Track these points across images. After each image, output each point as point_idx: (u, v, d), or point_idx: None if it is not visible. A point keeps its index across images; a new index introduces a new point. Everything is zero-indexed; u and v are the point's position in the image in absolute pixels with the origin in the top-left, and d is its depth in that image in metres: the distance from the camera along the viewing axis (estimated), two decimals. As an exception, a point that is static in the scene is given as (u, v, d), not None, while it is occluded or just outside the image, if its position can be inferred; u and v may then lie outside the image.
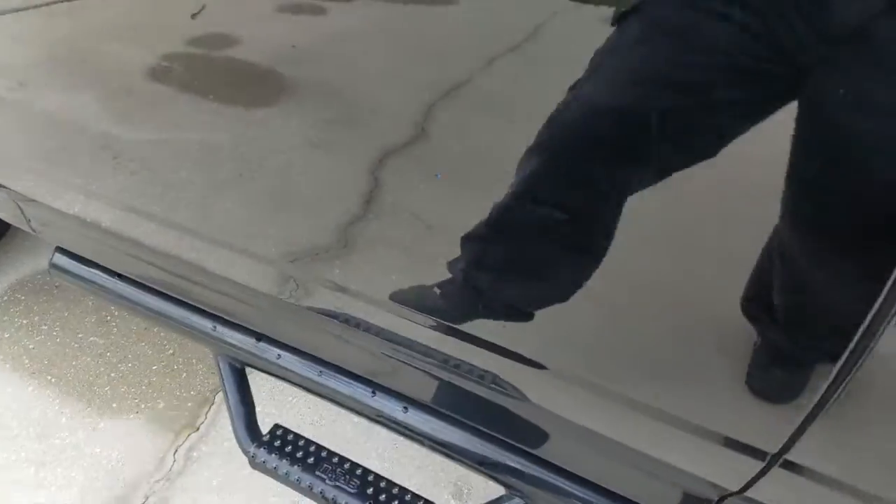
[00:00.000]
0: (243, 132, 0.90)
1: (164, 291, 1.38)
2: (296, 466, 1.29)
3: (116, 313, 2.14)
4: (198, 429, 1.83)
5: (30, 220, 1.38)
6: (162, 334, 2.07)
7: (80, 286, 1.52)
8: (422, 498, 1.24)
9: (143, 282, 1.40)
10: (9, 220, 1.43)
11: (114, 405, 1.90)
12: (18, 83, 1.11)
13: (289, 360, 1.30)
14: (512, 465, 1.15)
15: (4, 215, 1.42)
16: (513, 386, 0.95)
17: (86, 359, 2.02)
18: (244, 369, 1.41)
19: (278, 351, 1.31)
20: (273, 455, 1.31)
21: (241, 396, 1.38)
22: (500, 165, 0.69)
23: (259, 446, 1.32)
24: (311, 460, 1.30)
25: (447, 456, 1.22)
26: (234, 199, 1.00)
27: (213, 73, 0.87)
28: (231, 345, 1.35)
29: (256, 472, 1.71)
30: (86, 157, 1.13)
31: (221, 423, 1.84)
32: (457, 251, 0.80)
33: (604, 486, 1.02)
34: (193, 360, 2.00)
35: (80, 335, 2.09)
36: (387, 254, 0.90)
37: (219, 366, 1.40)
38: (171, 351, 2.03)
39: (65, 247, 1.47)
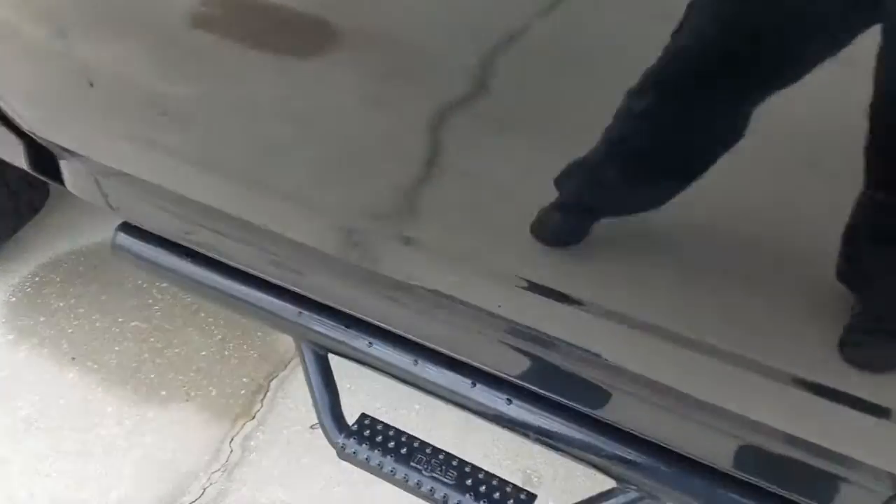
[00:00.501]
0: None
1: (248, 272, 1.32)
2: (388, 457, 1.24)
3: (160, 296, 2.07)
4: (254, 417, 1.78)
5: (107, 196, 1.31)
6: (210, 318, 2.01)
7: (146, 268, 1.45)
8: (524, 490, 1.21)
9: (225, 261, 1.33)
10: (85, 197, 1.36)
11: (162, 393, 1.84)
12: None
13: (382, 349, 1.25)
14: (630, 457, 1.12)
15: (82, 191, 1.35)
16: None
17: (128, 344, 1.95)
18: (327, 356, 1.35)
19: (370, 339, 1.26)
20: (364, 445, 1.26)
21: (326, 385, 1.33)
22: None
23: (348, 436, 1.27)
24: (403, 451, 1.25)
25: (553, 448, 1.18)
26: (333, 158, 0.95)
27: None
28: (318, 332, 1.30)
29: (317, 461, 1.67)
30: (162, 115, 1.06)
31: (278, 411, 1.79)
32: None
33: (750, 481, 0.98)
34: (244, 346, 1.94)
35: (120, 319, 2.02)
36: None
37: (302, 353, 1.34)
38: (219, 336, 1.97)
39: (139, 224, 1.39)
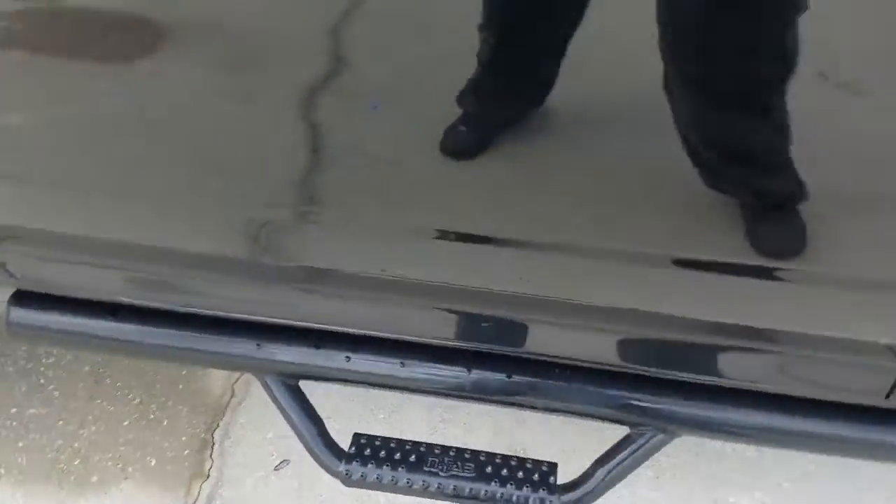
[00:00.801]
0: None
1: (189, 312, 1.18)
2: (400, 470, 1.16)
3: (51, 374, 1.81)
4: (208, 475, 1.61)
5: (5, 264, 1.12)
6: (118, 383, 1.79)
7: (58, 340, 1.26)
8: (543, 462, 1.18)
9: (160, 305, 1.18)
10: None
11: (93, 479, 1.61)
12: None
13: (362, 359, 1.16)
14: (633, 402, 1.13)
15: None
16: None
17: (34, 436, 1.70)
18: (298, 385, 1.24)
19: (346, 353, 1.17)
20: (370, 465, 1.17)
21: (308, 415, 1.22)
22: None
23: (349, 461, 1.18)
24: (412, 458, 1.18)
25: (558, 412, 1.17)
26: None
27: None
28: (284, 361, 1.19)
29: (293, 500, 1.55)
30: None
31: (233, 461, 1.64)
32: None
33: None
34: (169, 403, 1.75)
35: (14, 411, 1.75)
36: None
37: (269, 389, 1.22)
38: (136, 400, 1.76)
39: (40, 289, 1.19)
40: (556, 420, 1.70)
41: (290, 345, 1.18)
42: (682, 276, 0.90)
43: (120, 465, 1.63)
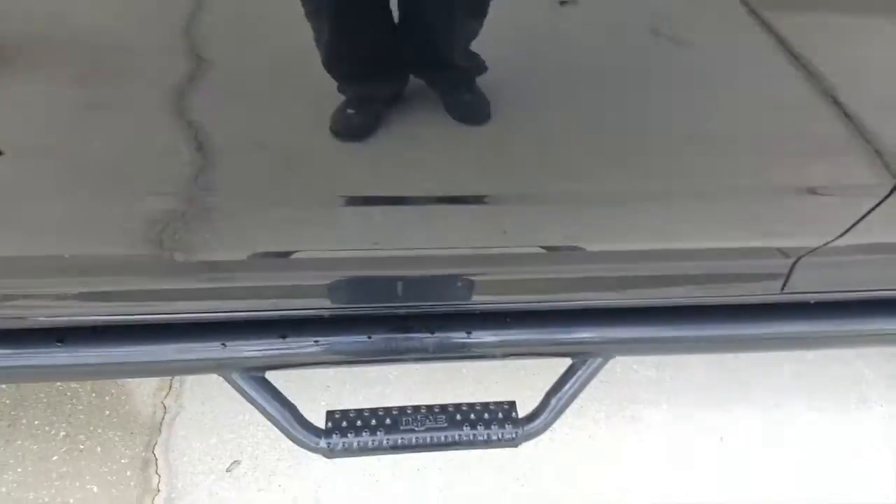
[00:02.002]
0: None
1: (148, 321, 1.18)
2: (379, 433, 1.26)
3: (-43, 425, 1.68)
4: (159, 490, 1.60)
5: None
6: (36, 421, 1.70)
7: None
8: (503, 402, 1.32)
9: (116, 319, 1.18)
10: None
11: (32, 519, 1.54)
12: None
13: (330, 340, 1.24)
14: (574, 336, 1.30)
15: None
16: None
17: (-50, 493, 1.58)
18: (265, 376, 1.29)
19: (313, 338, 1.24)
20: (350, 436, 1.25)
21: (281, 403, 1.27)
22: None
23: (328, 436, 1.25)
24: (388, 422, 1.27)
25: (514, 356, 1.31)
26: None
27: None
28: (251, 356, 1.23)
29: (252, 496, 1.59)
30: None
31: (182, 472, 1.63)
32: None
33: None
34: (99, 430, 1.70)
35: (-81, 473, 1.61)
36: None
37: (238, 386, 1.26)
38: (63, 433, 1.68)
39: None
40: (477, 370, 1.85)
41: (256, 339, 1.23)
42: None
43: (59, 499, 1.57)
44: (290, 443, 1.28)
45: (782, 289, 1.11)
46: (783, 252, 1.07)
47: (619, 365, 1.85)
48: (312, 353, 1.24)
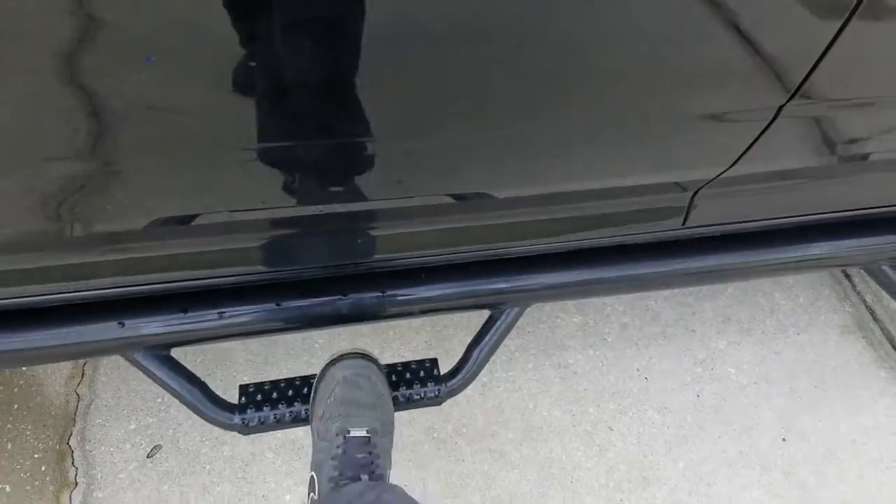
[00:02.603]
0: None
1: (41, 302, 1.10)
2: (296, 404, 1.22)
3: None
4: (76, 483, 1.52)
5: None
6: (-64, 425, 1.59)
7: None
8: (424, 360, 1.30)
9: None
10: None
11: (-61, 526, 1.45)
12: None
13: (236, 311, 1.18)
14: (491, 286, 1.28)
15: None
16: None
17: None
18: (170, 353, 1.23)
19: (218, 309, 1.18)
20: (265, 409, 1.21)
21: (189, 379, 1.21)
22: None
23: (242, 411, 1.21)
24: (304, 391, 1.24)
25: (432, 312, 1.28)
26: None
27: None
28: (153, 333, 1.17)
29: (177, 479, 1.54)
30: None
31: (100, 462, 1.56)
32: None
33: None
34: (8, 426, 1.60)
35: None
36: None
37: (141, 366, 1.19)
38: (-34, 434, 1.59)
39: None
40: (406, 330, 1.83)
41: (156, 315, 1.16)
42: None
43: (-31, 504, 1.48)
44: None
45: (683, 223, 1.11)
46: (680, 186, 1.07)
47: (546, 315, 1.86)
48: (218, 326, 1.18)
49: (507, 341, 1.79)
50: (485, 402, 1.69)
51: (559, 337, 1.83)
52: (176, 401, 1.23)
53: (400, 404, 1.25)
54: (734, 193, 1.05)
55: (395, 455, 1.56)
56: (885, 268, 1.38)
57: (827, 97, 0.90)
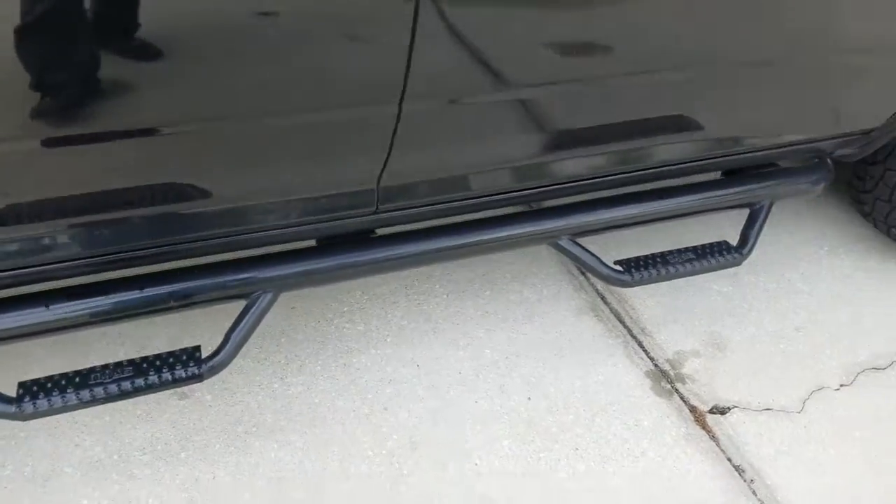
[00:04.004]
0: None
1: None
2: (69, 391, 1.40)
3: None
4: None
5: None
6: None
7: None
8: (186, 349, 1.52)
9: None
10: None
11: None
12: None
13: (65, 305, 1.39)
14: (240, 276, 1.54)
15: None
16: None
17: None
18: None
19: (44, 301, 1.38)
20: (40, 398, 1.38)
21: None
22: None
23: (20, 402, 1.37)
24: (77, 380, 1.42)
25: (189, 306, 1.52)
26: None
27: None
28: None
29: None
30: None
31: None
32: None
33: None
34: None
35: None
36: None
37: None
38: None
39: None
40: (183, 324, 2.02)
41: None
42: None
43: None
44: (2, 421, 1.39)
45: (375, 210, 1.46)
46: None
47: (334, 326, 2.13)
48: (45, 322, 1.37)
49: (297, 350, 2.04)
50: (275, 402, 1.91)
51: (346, 342, 2.10)
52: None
53: (165, 384, 1.46)
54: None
55: (184, 454, 1.77)
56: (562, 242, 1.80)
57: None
